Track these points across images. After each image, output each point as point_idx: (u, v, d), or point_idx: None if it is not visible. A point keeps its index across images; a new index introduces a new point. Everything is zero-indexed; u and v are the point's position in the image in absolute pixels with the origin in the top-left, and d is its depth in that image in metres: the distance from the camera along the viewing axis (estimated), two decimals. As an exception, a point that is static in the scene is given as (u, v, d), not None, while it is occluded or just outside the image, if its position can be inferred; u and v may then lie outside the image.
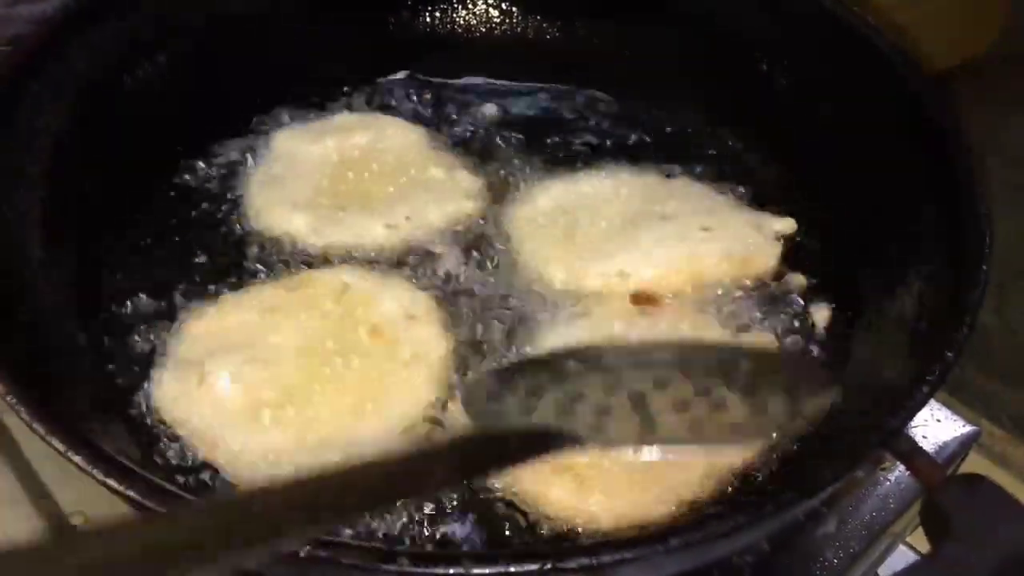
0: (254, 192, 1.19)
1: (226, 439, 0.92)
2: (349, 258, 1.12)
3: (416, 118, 1.31)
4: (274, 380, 0.96)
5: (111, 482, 0.69)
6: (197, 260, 1.13)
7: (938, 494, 0.74)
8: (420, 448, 0.87)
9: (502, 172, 1.24)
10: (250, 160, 1.23)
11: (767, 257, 1.13)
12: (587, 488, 0.89)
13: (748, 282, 1.11)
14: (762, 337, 1.05)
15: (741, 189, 1.22)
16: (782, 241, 1.15)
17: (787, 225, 1.17)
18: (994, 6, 2.06)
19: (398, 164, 1.22)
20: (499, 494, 0.90)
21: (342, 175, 1.21)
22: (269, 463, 0.91)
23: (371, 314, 1.03)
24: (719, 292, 1.10)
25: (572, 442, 0.76)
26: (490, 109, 1.35)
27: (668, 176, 1.23)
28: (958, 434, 1.15)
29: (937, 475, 0.75)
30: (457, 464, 0.71)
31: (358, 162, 1.22)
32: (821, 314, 1.09)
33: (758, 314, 1.09)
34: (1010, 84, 2.12)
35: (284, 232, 1.14)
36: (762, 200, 1.21)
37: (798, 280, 1.12)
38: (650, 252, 1.11)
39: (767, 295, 1.11)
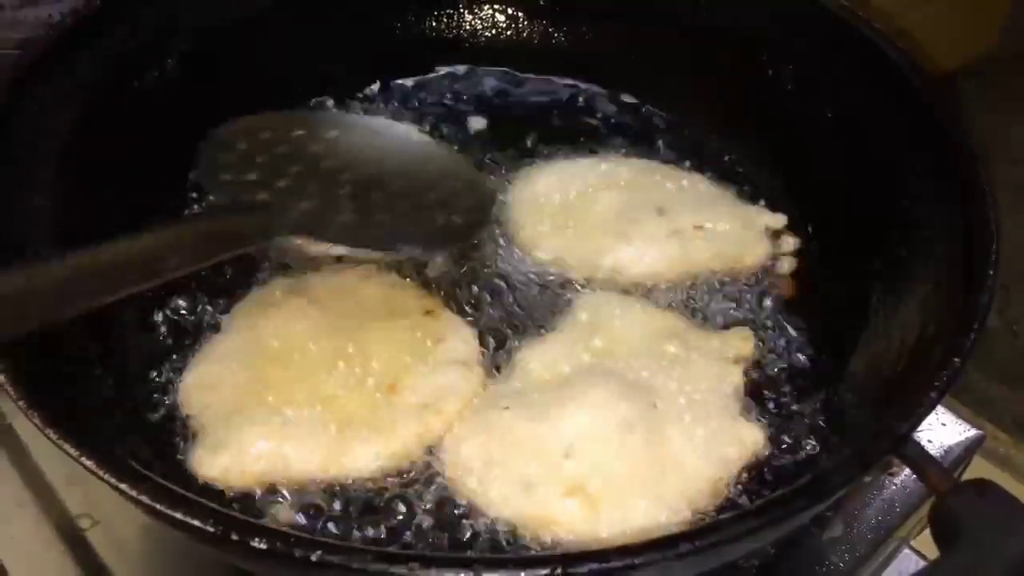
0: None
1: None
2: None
3: (421, 121, 1.32)
4: (294, 380, 0.98)
5: (124, 487, 0.69)
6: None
7: (947, 500, 0.74)
8: (157, 232, 0.96)
9: (503, 170, 1.26)
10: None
11: (757, 254, 1.16)
12: (598, 506, 0.89)
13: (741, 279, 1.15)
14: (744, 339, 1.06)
15: (745, 188, 1.24)
16: (770, 234, 1.18)
17: (777, 220, 1.19)
18: (995, 8, 2.07)
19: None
20: (503, 528, 0.90)
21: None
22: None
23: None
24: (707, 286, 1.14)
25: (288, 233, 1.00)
26: (487, 116, 1.35)
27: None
28: (963, 438, 1.15)
29: (946, 481, 0.75)
30: (190, 247, 0.92)
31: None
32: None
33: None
34: (1012, 85, 2.13)
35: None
36: (767, 202, 1.22)
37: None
38: (644, 250, 1.13)
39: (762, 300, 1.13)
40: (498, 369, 1.03)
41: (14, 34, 1.56)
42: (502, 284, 1.13)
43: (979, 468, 1.54)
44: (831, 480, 0.74)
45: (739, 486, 0.94)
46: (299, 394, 0.97)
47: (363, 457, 0.93)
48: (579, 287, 1.12)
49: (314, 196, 1.07)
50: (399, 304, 1.07)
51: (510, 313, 1.09)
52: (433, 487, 0.93)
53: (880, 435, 0.77)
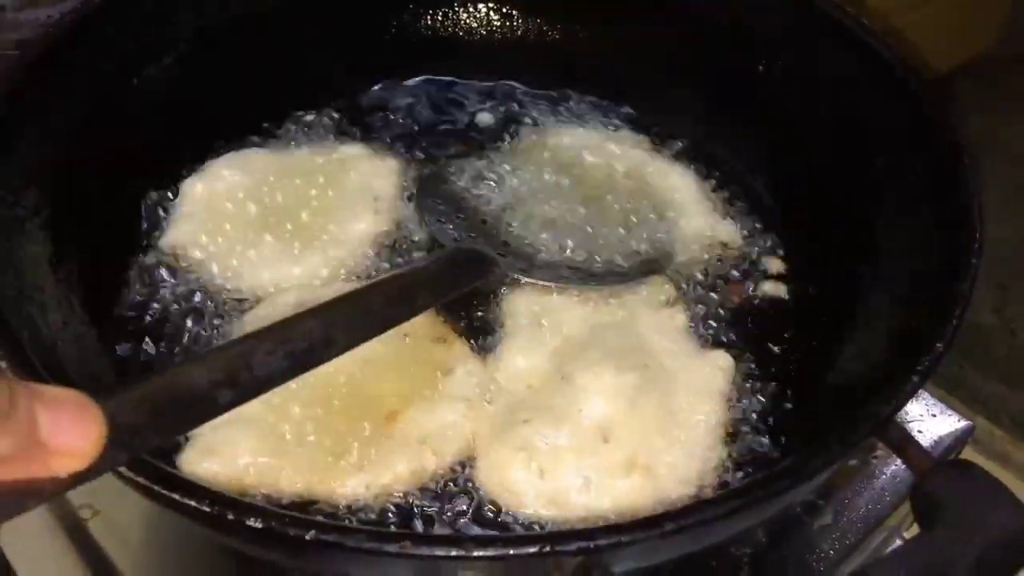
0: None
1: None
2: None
3: (411, 120, 1.35)
4: (293, 396, 0.97)
5: (123, 471, 0.70)
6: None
7: (928, 480, 0.75)
8: (399, 276, 1.00)
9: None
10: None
11: (730, 233, 1.20)
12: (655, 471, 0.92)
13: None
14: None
15: (733, 185, 1.27)
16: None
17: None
18: (994, 7, 2.07)
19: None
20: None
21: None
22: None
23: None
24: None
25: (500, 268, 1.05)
26: (486, 114, 1.37)
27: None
28: (953, 429, 1.16)
29: (927, 461, 0.77)
30: (432, 287, 0.95)
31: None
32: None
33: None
34: (1011, 85, 2.13)
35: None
36: (759, 201, 1.24)
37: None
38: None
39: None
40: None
41: (14, 35, 1.58)
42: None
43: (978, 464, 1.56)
44: (812, 462, 0.75)
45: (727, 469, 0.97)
46: (297, 411, 0.96)
47: (353, 486, 0.92)
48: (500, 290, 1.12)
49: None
50: (413, 324, 1.02)
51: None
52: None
53: (863, 417, 0.78)
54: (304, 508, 0.90)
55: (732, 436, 0.98)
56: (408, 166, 1.27)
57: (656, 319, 1.06)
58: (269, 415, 0.95)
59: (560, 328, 1.05)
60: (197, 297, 1.11)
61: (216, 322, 1.08)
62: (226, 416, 0.90)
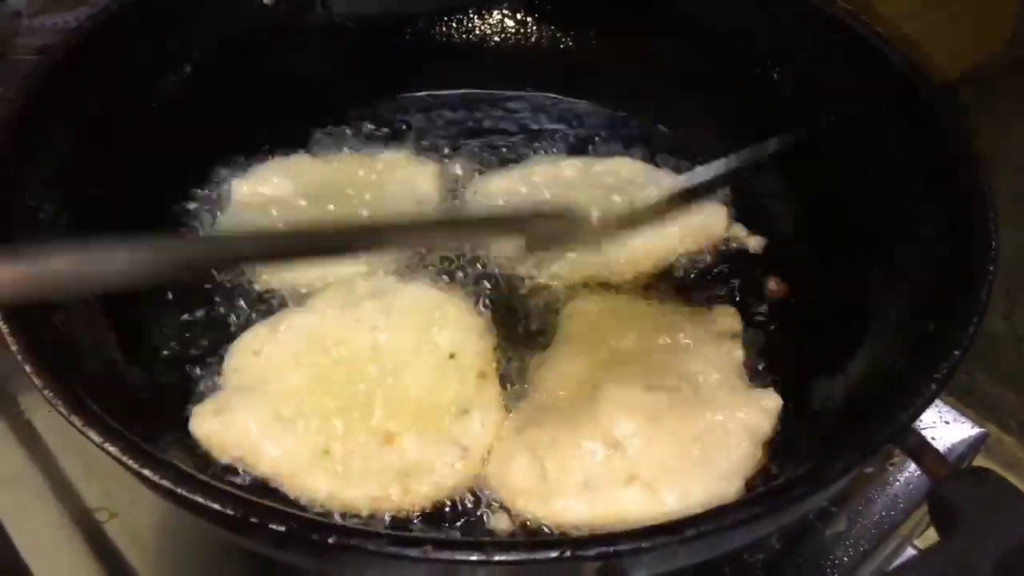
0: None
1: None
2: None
3: (430, 130, 1.36)
4: (318, 387, 0.99)
5: (146, 473, 0.71)
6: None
7: (945, 487, 0.76)
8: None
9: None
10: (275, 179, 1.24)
11: (716, 219, 1.21)
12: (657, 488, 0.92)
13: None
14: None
15: (744, 189, 1.26)
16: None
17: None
18: (998, 15, 2.07)
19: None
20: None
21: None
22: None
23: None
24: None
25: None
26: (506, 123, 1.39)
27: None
28: (966, 436, 1.17)
29: (944, 468, 0.77)
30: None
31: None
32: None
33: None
34: (1016, 92, 2.13)
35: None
36: (766, 208, 1.25)
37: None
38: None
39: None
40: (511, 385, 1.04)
41: (32, 40, 1.59)
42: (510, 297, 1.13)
43: (987, 471, 1.55)
44: (831, 468, 0.76)
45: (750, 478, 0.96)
46: (311, 404, 0.97)
47: (319, 489, 0.92)
48: (562, 294, 1.13)
49: None
50: (463, 348, 1.04)
51: (521, 329, 1.10)
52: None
53: (880, 424, 0.79)
54: (267, 494, 0.92)
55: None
56: (444, 168, 1.29)
57: (713, 349, 1.05)
58: (283, 397, 0.97)
59: (610, 341, 1.05)
60: (238, 295, 1.12)
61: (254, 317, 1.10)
62: (250, 383, 0.97)
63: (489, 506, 0.93)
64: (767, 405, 0.99)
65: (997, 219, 0.94)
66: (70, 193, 1.04)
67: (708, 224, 1.21)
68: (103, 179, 1.10)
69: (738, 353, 1.05)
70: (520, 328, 1.10)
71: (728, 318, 1.10)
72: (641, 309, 1.11)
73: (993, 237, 0.92)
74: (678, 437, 0.94)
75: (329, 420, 0.96)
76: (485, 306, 1.11)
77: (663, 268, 1.18)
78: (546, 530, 0.90)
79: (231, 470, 0.95)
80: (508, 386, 1.04)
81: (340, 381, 0.99)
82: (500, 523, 0.91)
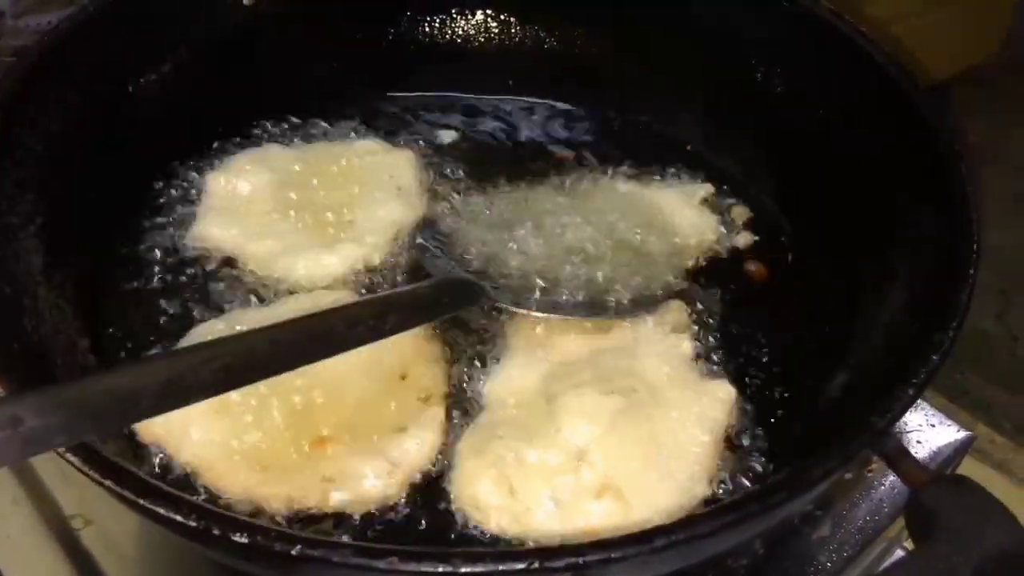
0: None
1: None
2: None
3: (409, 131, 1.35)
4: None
5: (108, 483, 0.70)
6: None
7: (923, 494, 0.75)
8: (377, 296, 1.03)
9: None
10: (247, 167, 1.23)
11: (709, 230, 1.19)
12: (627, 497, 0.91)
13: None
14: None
15: (733, 193, 1.26)
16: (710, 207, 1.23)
17: (708, 189, 1.25)
18: (996, 15, 2.07)
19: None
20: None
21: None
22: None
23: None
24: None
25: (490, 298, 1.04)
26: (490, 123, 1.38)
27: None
28: (952, 439, 1.16)
29: (922, 475, 0.76)
30: (409, 311, 0.94)
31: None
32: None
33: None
34: (1014, 93, 2.13)
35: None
36: (754, 205, 1.23)
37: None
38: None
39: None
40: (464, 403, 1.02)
41: (16, 42, 1.59)
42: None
43: (977, 472, 1.54)
44: (808, 475, 0.75)
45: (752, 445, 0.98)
46: (250, 393, 0.95)
47: (246, 481, 0.92)
48: (509, 312, 1.10)
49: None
50: (413, 370, 1.02)
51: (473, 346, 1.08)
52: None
53: (858, 430, 0.77)
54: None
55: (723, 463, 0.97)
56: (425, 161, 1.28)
57: (661, 345, 1.04)
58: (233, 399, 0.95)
59: (560, 349, 1.05)
60: (219, 290, 1.12)
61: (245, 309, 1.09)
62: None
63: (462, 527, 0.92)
64: (721, 396, 0.99)
65: (980, 222, 0.93)
66: (43, 194, 1.03)
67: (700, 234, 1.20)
68: (78, 180, 1.09)
69: (687, 346, 1.05)
70: (472, 345, 1.08)
71: (674, 312, 1.09)
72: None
73: (976, 241, 0.91)
74: (639, 442, 0.93)
75: (273, 423, 0.94)
76: (436, 328, 1.08)
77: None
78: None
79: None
80: (461, 405, 1.02)
81: (286, 386, 0.96)
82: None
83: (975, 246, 0.90)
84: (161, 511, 0.69)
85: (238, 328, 1.00)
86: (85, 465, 0.71)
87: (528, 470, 0.91)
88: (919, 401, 1.16)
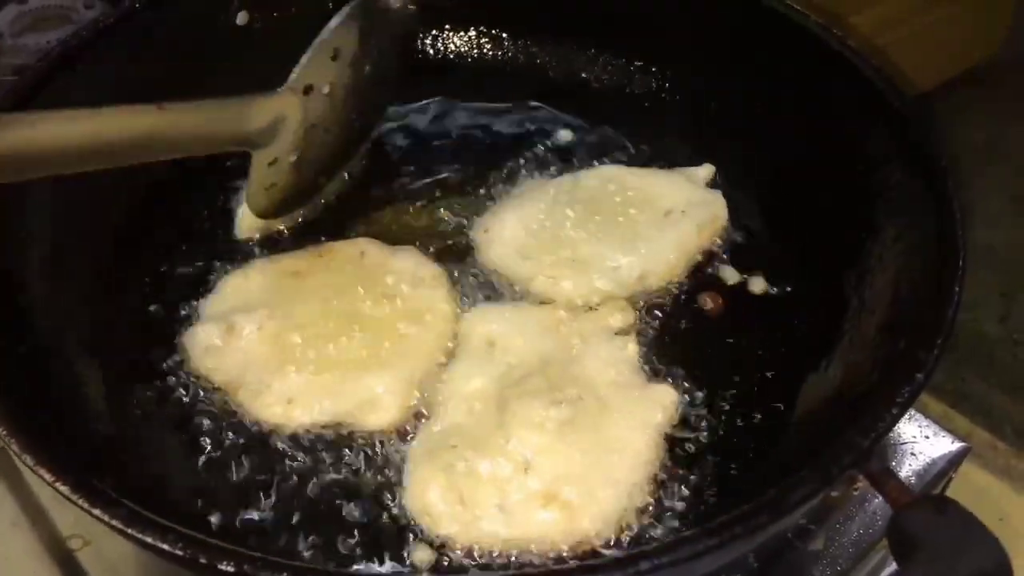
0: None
1: (248, 381, 1.02)
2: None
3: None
4: (295, 332, 1.05)
5: (96, 512, 0.71)
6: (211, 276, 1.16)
7: (905, 515, 0.75)
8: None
9: (481, 191, 1.28)
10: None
11: (719, 208, 1.21)
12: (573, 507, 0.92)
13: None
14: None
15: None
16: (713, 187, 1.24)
17: (708, 171, 1.27)
18: (996, 15, 2.06)
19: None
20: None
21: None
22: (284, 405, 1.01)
23: (384, 276, 1.12)
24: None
25: None
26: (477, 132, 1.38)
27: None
28: (947, 451, 1.16)
29: (904, 496, 0.76)
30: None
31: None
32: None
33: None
34: (1016, 92, 2.12)
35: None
36: (746, 220, 1.23)
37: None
38: (641, 254, 1.15)
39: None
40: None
41: (14, 60, 1.60)
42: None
43: (979, 479, 1.54)
44: (793, 495, 0.75)
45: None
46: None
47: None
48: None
49: None
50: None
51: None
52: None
53: (842, 449, 0.78)
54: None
55: (674, 475, 0.97)
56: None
57: (607, 348, 1.05)
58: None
59: (509, 352, 1.05)
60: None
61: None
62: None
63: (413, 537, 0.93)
64: (662, 400, 1.00)
65: (965, 236, 0.93)
66: (51, 212, 1.06)
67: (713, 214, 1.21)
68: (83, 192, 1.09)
69: (632, 348, 1.06)
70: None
71: (620, 313, 1.10)
72: (533, 315, 1.10)
73: (962, 257, 0.91)
74: (585, 451, 0.94)
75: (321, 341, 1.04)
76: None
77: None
78: (469, 560, 0.90)
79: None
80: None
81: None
82: (422, 555, 0.91)
83: (961, 263, 0.90)
84: (148, 540, 0.70)
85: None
86: (74, 495, 0.72)
87: (478, 479, 0.93)
88: (913, 412, 1.17)
